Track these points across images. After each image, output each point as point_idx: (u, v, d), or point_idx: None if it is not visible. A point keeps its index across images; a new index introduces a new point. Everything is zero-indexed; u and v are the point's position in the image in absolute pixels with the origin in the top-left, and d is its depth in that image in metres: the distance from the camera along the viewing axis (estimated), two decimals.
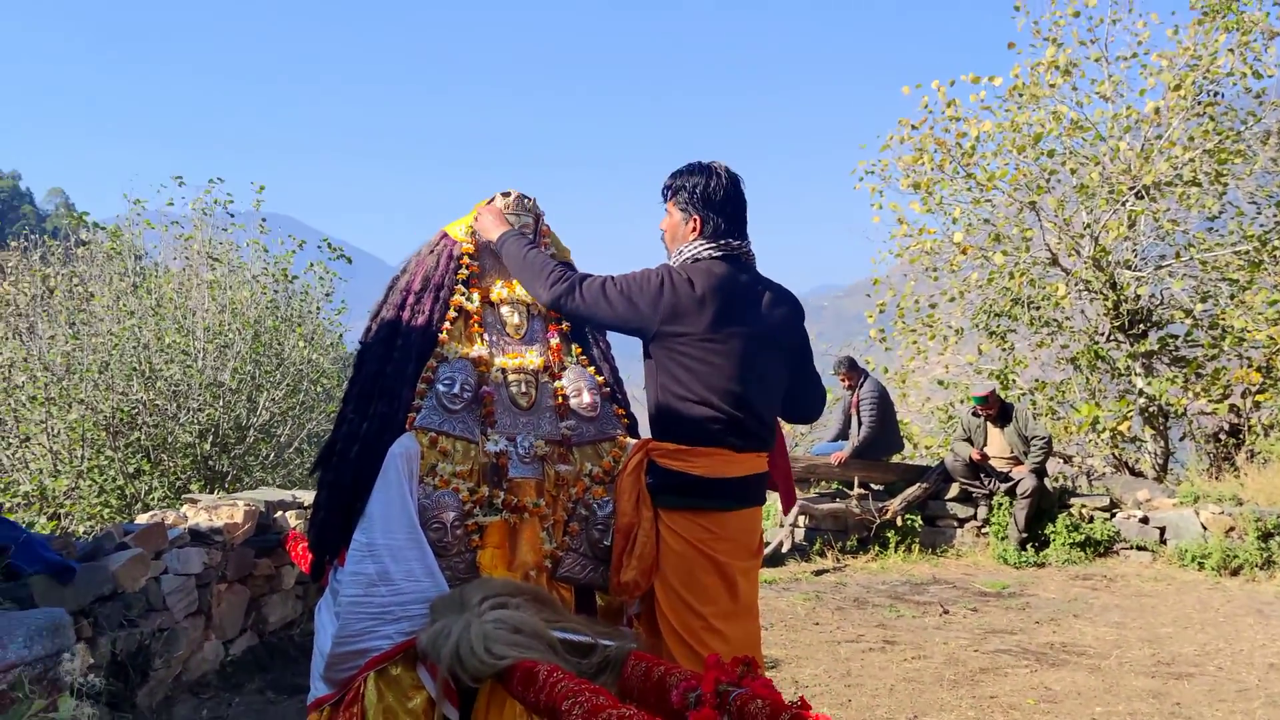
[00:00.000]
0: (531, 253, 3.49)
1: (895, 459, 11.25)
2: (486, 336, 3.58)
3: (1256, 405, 12.77)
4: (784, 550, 9.90)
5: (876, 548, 10.24)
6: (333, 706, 3.28)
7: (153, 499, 9.03)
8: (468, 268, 3.60)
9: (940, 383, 15.59)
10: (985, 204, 14.72)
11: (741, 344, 3.34)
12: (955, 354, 15.59)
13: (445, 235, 3.67)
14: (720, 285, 3.33)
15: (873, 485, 10.64)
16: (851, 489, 10.49)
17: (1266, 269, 12.84)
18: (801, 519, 10.28)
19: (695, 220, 3.44)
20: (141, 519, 5.21)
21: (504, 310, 3.66)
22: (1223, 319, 13.02)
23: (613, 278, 3.39)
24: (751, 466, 3.42)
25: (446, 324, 3.51)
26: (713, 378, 3.31)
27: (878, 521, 10.26)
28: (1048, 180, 14.15)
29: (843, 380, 11.03)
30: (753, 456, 3.42)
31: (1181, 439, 13.99)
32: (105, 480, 9.25)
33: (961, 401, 13.96)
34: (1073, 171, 14.04)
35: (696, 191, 3.44)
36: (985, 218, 14.78)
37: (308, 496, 6.34)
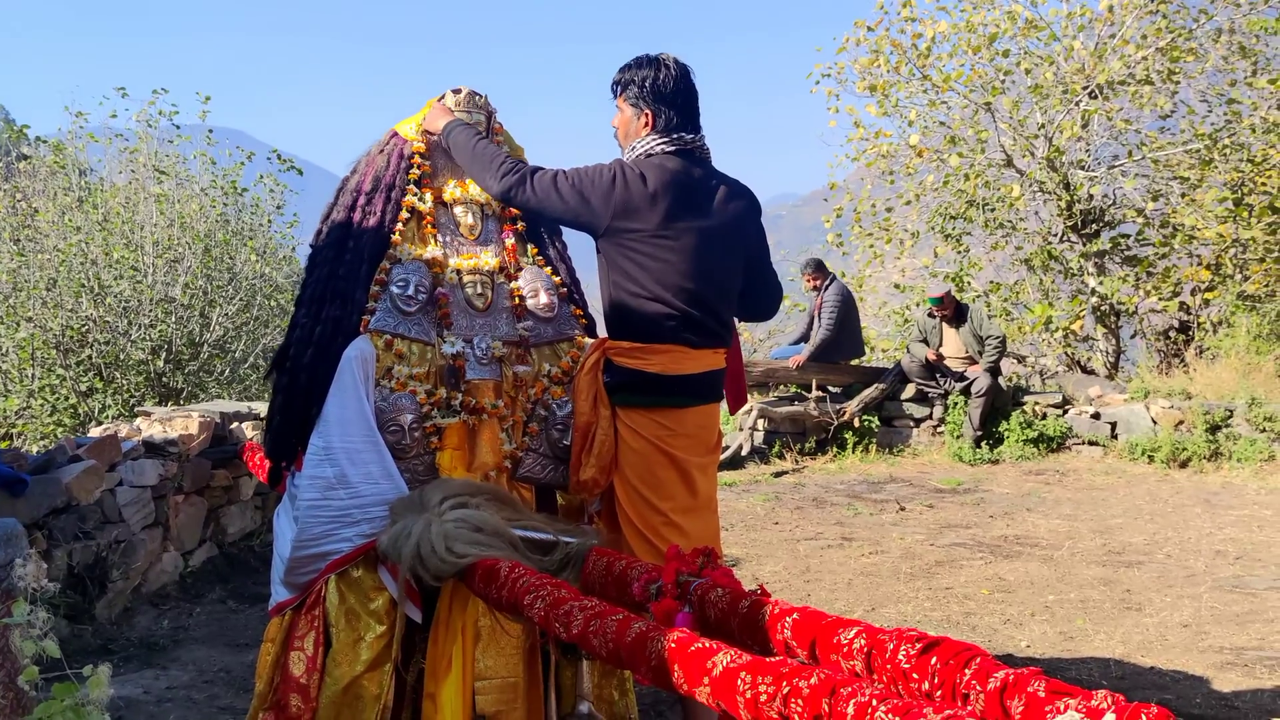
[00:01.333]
0: (480, 144, 3.43)
1: (854, 362, 11.32)
2: (440, 237, 3.52)
3: (1205, 303, 12.95)
4: (743, 453, 9.99)
5: (834, 449, 10.35)
6: (294, 610, 3.28)
7: (106, 417, 8.94)
8: (419, 167, 3.52)
9: (897, 286, 15.67)
10: (941, 106, 14.67)
11: (695, 239, 3.30)
12: (911, 258, 15.66)
13: (395, 134, 3.59)
14: (673, 180, 3.28)
15: (830, 388, 10.72)
16: (810, 392, 10.56)
17: (1216, 167, 12.92)
18: (760, 422, 10.35)
19: (647, 115, 3.36)
20: (94, 432, 5.16)
21: (457, 210, 3.59)
22: (1174, 217, 13.13)
23: (564, 171, 3.34)
24: (708, 363, 3.41)
25: (399, 225, 3.44)
26: (666, 274, 3.28)
27: (835, 423, 10.35)
28: (1003, 81, 14.10)
29: (808, 281, 11.01)
30: (709, 353, 3.41)
31: (1132, 337, 14.19)
32: (57, 399, 9.15)
33: (918, 304, 14.05)
34: (1027, 72, 14.00)
35: (646, 85, 3.36)
36: (941, 120, 14.74)
37: (263, 407, 6.30)
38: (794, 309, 14.80)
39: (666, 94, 3.36)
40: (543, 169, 3.36)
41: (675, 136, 3.34)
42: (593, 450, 3.28)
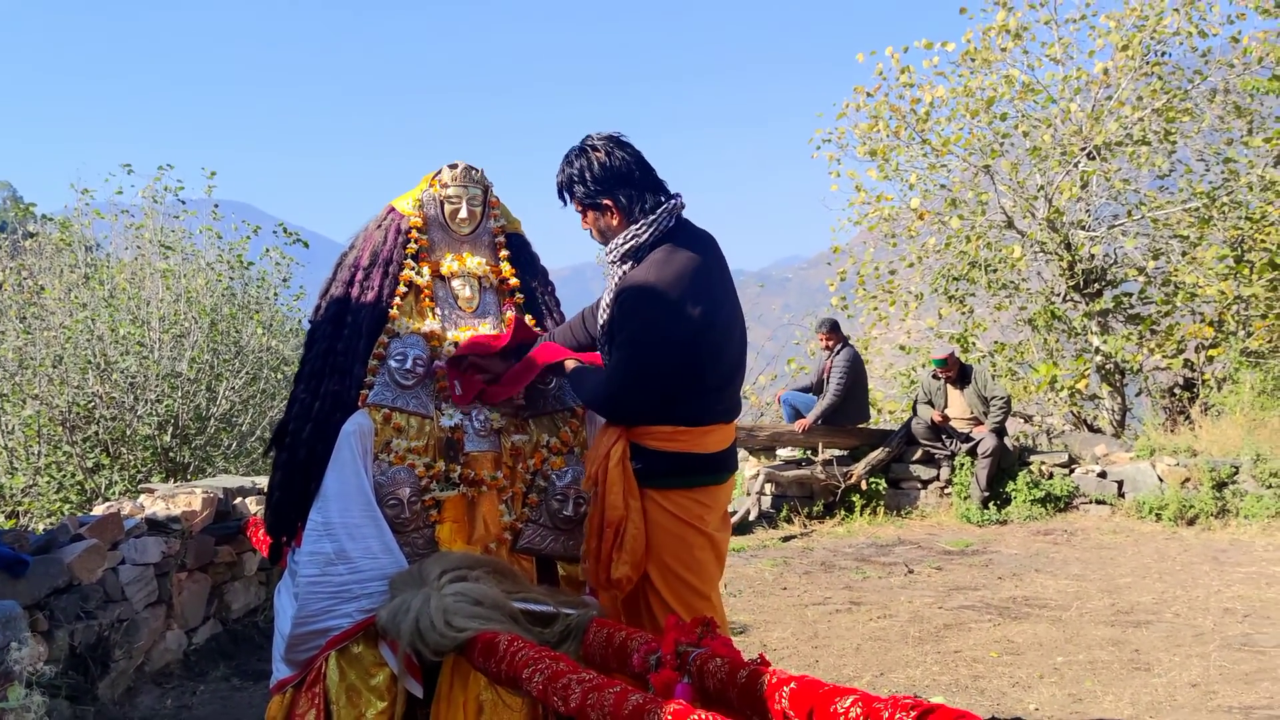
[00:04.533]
0: (586, 379, 3.35)
1: (860, 425, 11.31)
2: (438, 310, 3.56)
3: (1209, 359, 12.94)
4: (751, 518, 9.95)
5: (842, 512, 10.31)
6: (295, 688, 3.28)
7: (113, 493, 8.94)
8: (416, 241, 3.57)
9: (902, 348, 15.67)
10: (941, 169, 14.78)
11: (723, 318, 3.22)
12: (916, 319, 15.67)
13: (393, 209, 3.63)
14: (680, 277, 3.12)
15: (837, 450, 10.69)
16: (817, 455, 10.54)
17: (1215, 225, 12.97)
18: (768, 486, 10.33)
19: (609, 206, 3.23)
20: (98, 510, 5.16)
21: (455, 284, 3.64)
22: (1175, 275, 13.16)
23: (625, 360, 3.16)
24: (733, 433, 3.39)
25: (397, 299, 3.49)
26: (708, 360, 3.19)
27: (843, 486, 10.32)
28: (1001, 144, 14.22)
29: (822, 340, 10.99)
30: (733, 424, 3.40)
31: (1138, 395, 14.16)
32: (64, 476, 9.15)
33: (923, 365, 14.05)
34: (1025, 134, 14.12)
35: (588, 178, 3.22)
36: (941, 183, 14.84)
37: (267, 482, 6.30)
38: (799, 371, 14.83)
39: (612, 174, 3.21)
40: (609, 383, 3.22)
41: (651, 220, 3.19)
42: (625, 546, 3.14)
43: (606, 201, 3.22)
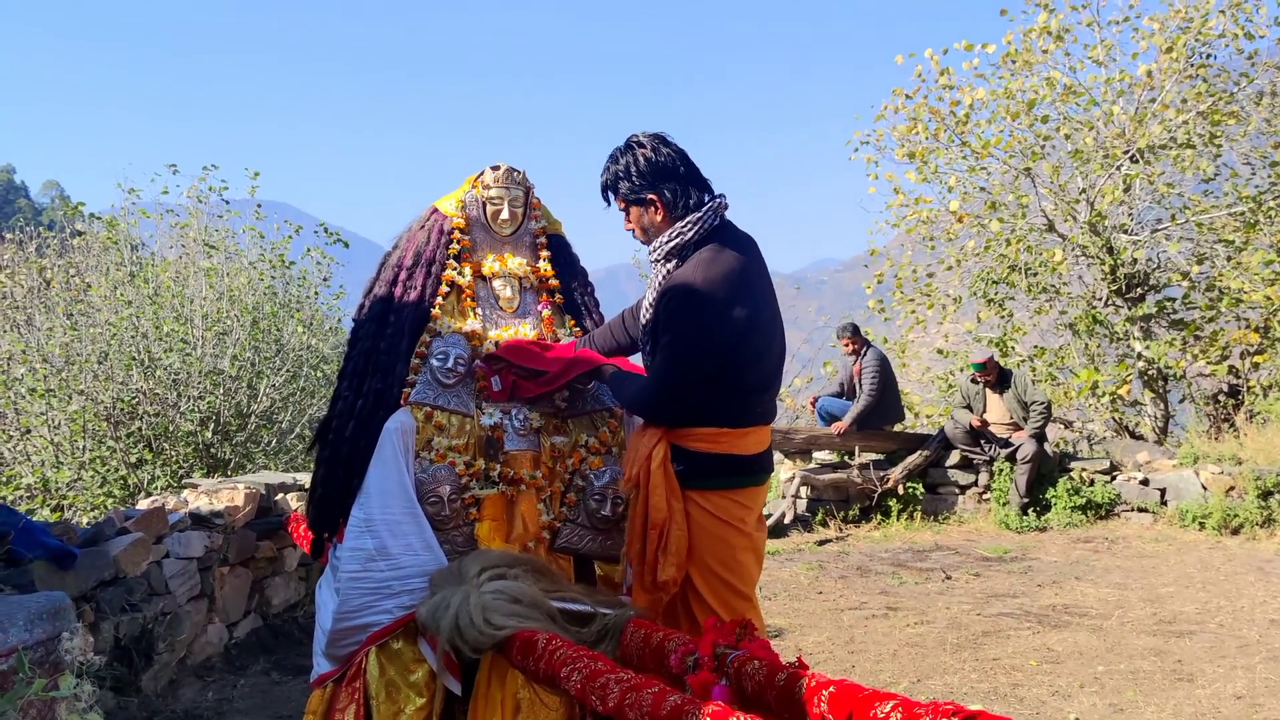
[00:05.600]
0: (625, 385, 3.35)
1: (897, 428, 11.27)
2: (479, 310, 3.59)
3: (1255, 366, 12.78)
4: (786, 521, 9.93)
5: (879, 516, 10.26)
6: (335, 683, 3.31)
7: (155, 488, 9.05)
8: (459, 242, 3.60)
9: (940, 351, 15.58)
10: (980, 172, 14.69)
11: (764, 320, 3.22)
12: (954, 323, 15.58)
13: (435, 210, 3.66)
14: (725, 279, 3.11)
15: (873, 454, 10.65)
16: (853, 458, 10.50)
17: (1262, 229, 12.82)
18: (803, 489, 10.30)
19: (654, 201, 3.23)
20: (142, 504, 5.22)
21: (496, 284, 3.67)
22: (1219, 280, 13.01)
23: (669, 362, 3.14)
24: (769, 435, 3.40)
25: (439, 299, 3.52)
26: (750, 362, 3.19)
27: (879, 490, 10.27)
28: (1042, 146, 14.11)
29: (845, 346, 10.99)
30: (769, 425, 3.40)
31: (1181, 401, 14.00)
32: (108, 470, 9.27)
33: (961, 369, 13.97)
34: (1067, 137, 14.01)
35: (633, 174, 3.23)
36: (981, 185, 14.75)
37: (308, 478, 6.35)
38: (834, 375, 14.77)
39: (657, 169, 3.22)
40: (654, 384, 3.21)
41: (696, 217, 3.18)
42: (669, 548, 3.14)
43: (651, 196, 3.22)
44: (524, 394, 3.50)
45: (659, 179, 3.21)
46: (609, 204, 3.37)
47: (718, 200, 3.26)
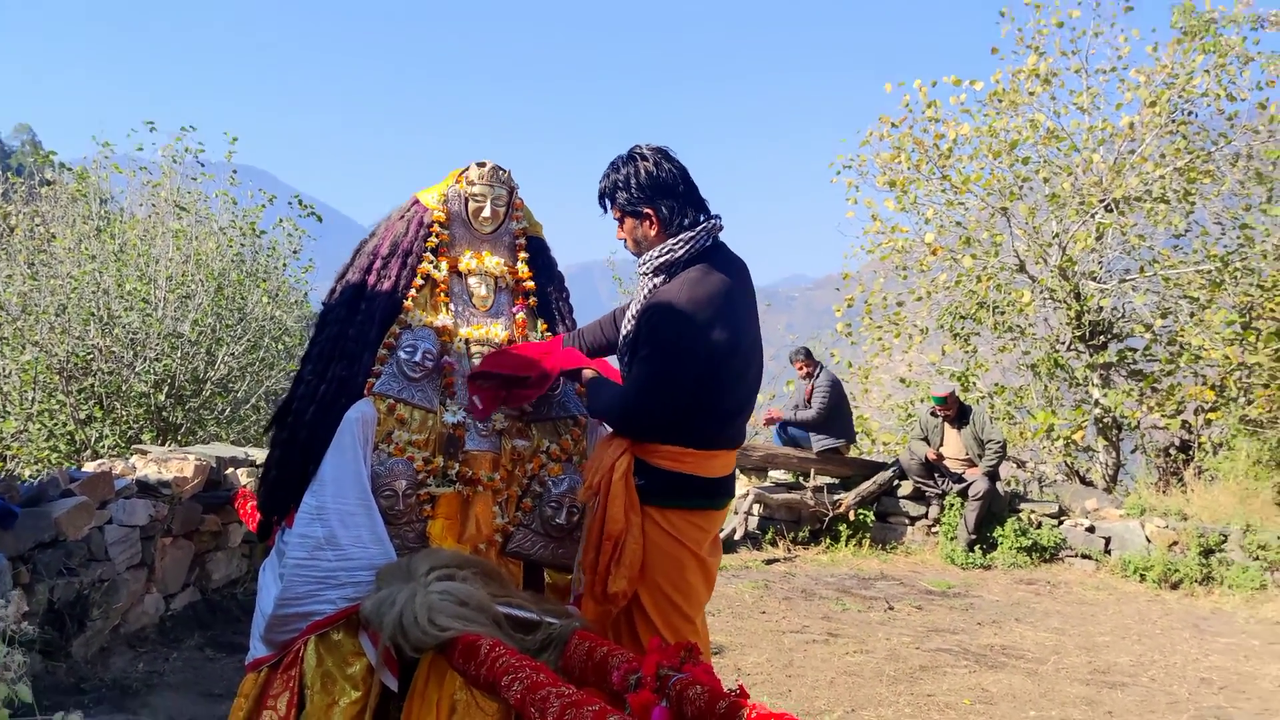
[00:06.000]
0: (605, 393, 3.32)
1: (852, 453, 11.33)
2: (452, 306, 3.55)
3: (1208, 423, 12.92)
4: (737, 537, 9.94)
5: (828, 540, 10.29)
6: (271, 668, 3.27)
7: (102, 447, 8.94)
8: (438, 236, 3.56)
9: (902, 380, 15.67)
10: (958, 206, 14.78)
11: (742, 346, 3.21)
12: (919, 353, 15.67)
13: (417, 201, 3.63)
14: (709, 299, 3.10)
15: (829, 478, 10.69)
16: (808, 480, 10.53)
17: (1227, 289, 12.97)
18: (756, 507, 10.32)
19: (650, 215, 3.21)
20: (89, 467, 5.15)
21: (471, 281, 3.63)
22: (1181, 336, 13.16)
23: (647, 374, 3.13)
24: (734, 460, 3.38)
25: (413, 291, 3.48)
26: (728, 386, 3.18)
27: (831, 514, 10.31)
28: (1021, 187, 14.23)
29: (799, 368, 11.17)
30: (736, 451, 3.38)
31: (1133, 451, 14.14)
32: (55, 424, 9.15)
33: (921, 400, 14.05)
34: (1045, 180, 14.12)
35: (633, 185, 3.21)
36: (957, 220, 14.84)
37: (260, 455, 6.29)
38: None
39: (657, 184, 3.20)
40: (627, 396, 3.18)
41: (688, 236, 3.17)
42: (623, 560, 3.11)
43: (647, 210, 3.21)
44: (515, 404, 3.48)
45: (658, 194, 3.20)
46: (605, 211, 3.35)
47: (712, 221, 3.24)
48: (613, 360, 3.59)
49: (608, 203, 3.32)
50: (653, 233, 3.23)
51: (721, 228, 3.28)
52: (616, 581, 3.13)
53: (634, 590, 3.18)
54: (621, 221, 3.30)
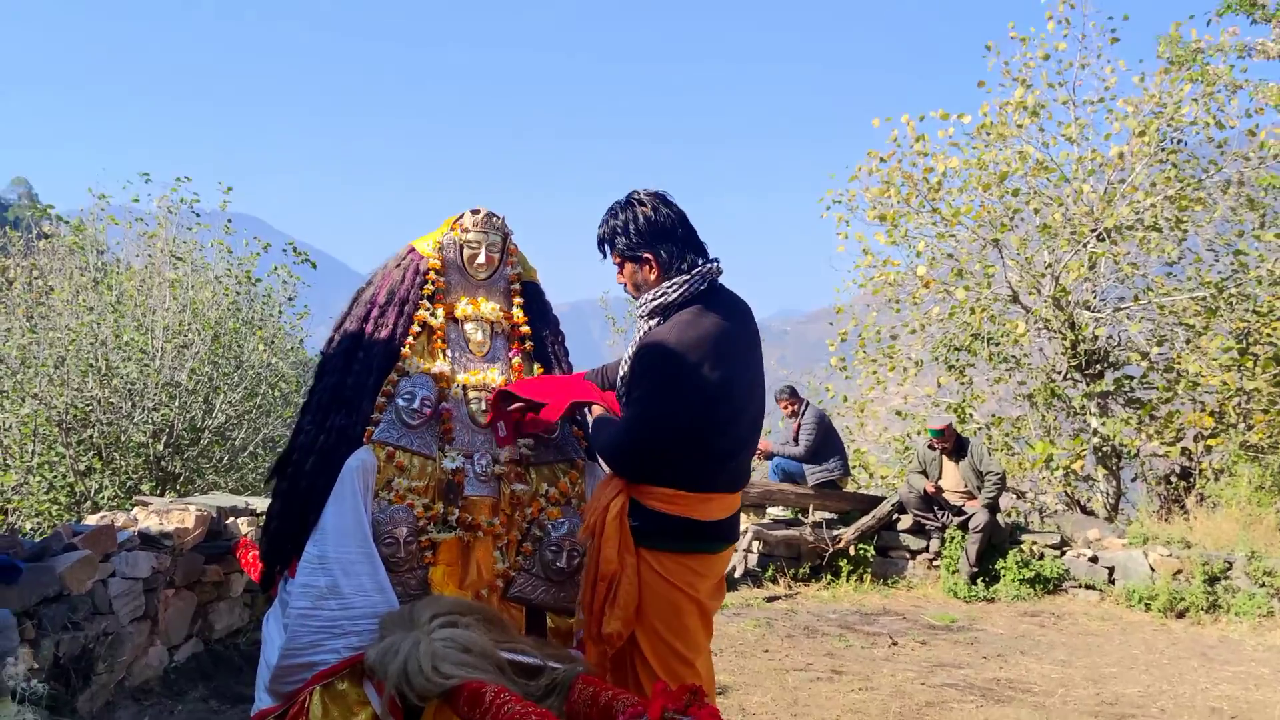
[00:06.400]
0: (602, 436, 3.34)
1: (849, 487, 11.34)
2: (449, 353, 3.58)
3: (1208, 449, 12.94)
4: (737, 575, 9.92)
5: (829, 576, 10.27)
6: (276, 719, 3.27)
7: (102, 498, 8.93)
8: (433, 283, 3.60)
9: (898, 413, 15.68)
10: (949, 239, 14.85)
11: (740, 389, 3.23)
12: (914, 385, 15.69)
13: (413, 250, 3.67)
14: (704, 339, 3.14)
15: (827, 514, 10.69)
16: (807, 516, 10.53)
17: (1222, 316, 13.02)
18: (756, 544, 10.31)
19: (649, 260, 3.25)
20: (91, 519, 5.14)
21: (468, 327, 3.66)
22: (1178, 363, 13.20)
23: (638, 416, 3.17)
24: (735, 503, 3.36)
25: (409, 338, 3.51)
26: (720, 427, 3.20)
27: (831, 550, 10.28)
28: (1011, 219, 14.30)
29: (784, 407, 11.27)
30: (738, 495, 3.38)
31: (1133, 480, 14.14)
32: (55, 476, 9.15)
33: (918, 433, 14.05)
34: (1036, 211, 14.20)
35: (631, 231, 3.24)
36: (949, 252, 14.90)
37: (260, 504, 6.28)
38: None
39: (656, 229, 3.24)
40: (620, 435, 3.22)
41: (684, 280, 3.20)
42: (618, 602, 3.13)
43: (647, 255, 3.24)
44: (530, 429, 3.53)
45: (656, 239, 3.23)
46: (604, 256, 3.37)
47: (709, 265, 3.27)
48: None
49: (607, 248, 3.34)
50: (652, 277, 3.26)
51: (720, 270, 3.31)
52: (610, 622, 3.15)
53: (630, 631, 3.18)
54: (621, 266, 3.32)
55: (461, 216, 3.69)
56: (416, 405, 3.43)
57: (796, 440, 11.03)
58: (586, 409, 3.56)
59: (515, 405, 3.48)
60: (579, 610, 3.40)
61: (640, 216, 3.24)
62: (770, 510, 10.96)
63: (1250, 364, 12.55)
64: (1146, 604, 9.34)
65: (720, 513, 3.27)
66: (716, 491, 3.25)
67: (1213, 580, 9.27)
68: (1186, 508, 11.82)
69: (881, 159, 14.76)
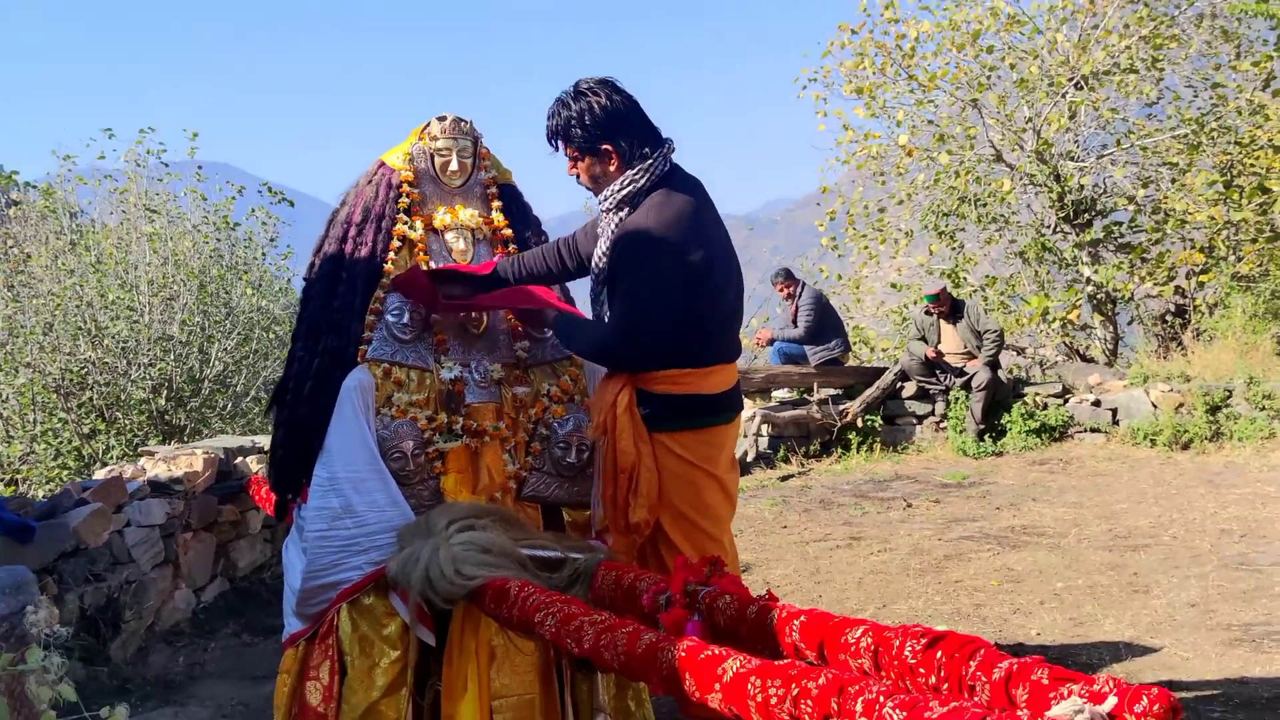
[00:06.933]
0: (575, 328, 3.33)
1: (852, 362, 11.41)
2: (432, 263, 3.54)
3: (1200, 285, 12.97)
4: (749, 459, 10.00)
5: (839, 450, 10.37)
6: (308, 641, 3.30)
7: (111, 457, 8.96)
8: (408, 195, 3.54)
9: (893, 286, 15.71)
10: (928, 105, 14.72)
11: (721, 259, 3.22)
12: (907, 256, 15.69)
13: (383, 164, 3.61)
14: (678, 219, 3.11)
15: (832, 390, 10.75)
16: (812, 394, 10.59)
17: (1205, 151, 12.96)
18: (764, 427, 10.38)
19: (609, 151, 3.17)
20: (99, 474, 5.17)
21: (449, 236, 3.62)
22: (1164, 203, 13.17)
23: (630, 304, 3.14)
24: (735, 373, 3.39)
25: (391, 254, 3.47)
26: (715, 300, 3.20)
27: (839, 424, 10.37)
28: (988, 77, 14.15)
29: (780, 289, 11.32)
30: (735, 364, 3.40)
31: (1130, 323, 14.21)
32: (60, 442, 9.16)
33: (915, 302, 14.08)
34: (1012, 66, 14.05)
35: (587, 122, 3.15)
36: (929, 119, 14.78)
37: (267, 440, 6.32)
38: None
39: (612, 119, 3.15)
40: (616, 332, 3.18)
41: (648, 165, 3.15)
42: (640, 490, 3.14)
43: (606, 147, 3.16)
44: (444, 309, 3.44)
45: (613, 129, 3.15)
46: (556, 150, 3.29)
47: (667, 145, 3.22)
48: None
49: (559, 141, 3.26)
50: (612, 168, 3.20)
51: (674, 148, 3.25)
52: (636, 511, 3.16)
53: (655, 518, 3.20)
54: (577, 160, 3.25)
55: (428, 125, 3.62)
56: (406, 319, 3.41)
57: (796, 323, 11.07)
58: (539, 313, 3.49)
59: (448, 290, 3.40)
60: (595, 504, 3.42)
61: (595, 106, 3.14)
62: (775, 393, 11.02)
63: (1236, 196, 12.52)
64: (1151, 440, 9.46)
65: (725, 384, 3.29)
66: (718, 363, 3.26)
67: (1214, 410, 9.37)
68: (1184, 344, 11.89)
69: (853, 31, 14.56)
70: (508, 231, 3.73)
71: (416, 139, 3.62)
